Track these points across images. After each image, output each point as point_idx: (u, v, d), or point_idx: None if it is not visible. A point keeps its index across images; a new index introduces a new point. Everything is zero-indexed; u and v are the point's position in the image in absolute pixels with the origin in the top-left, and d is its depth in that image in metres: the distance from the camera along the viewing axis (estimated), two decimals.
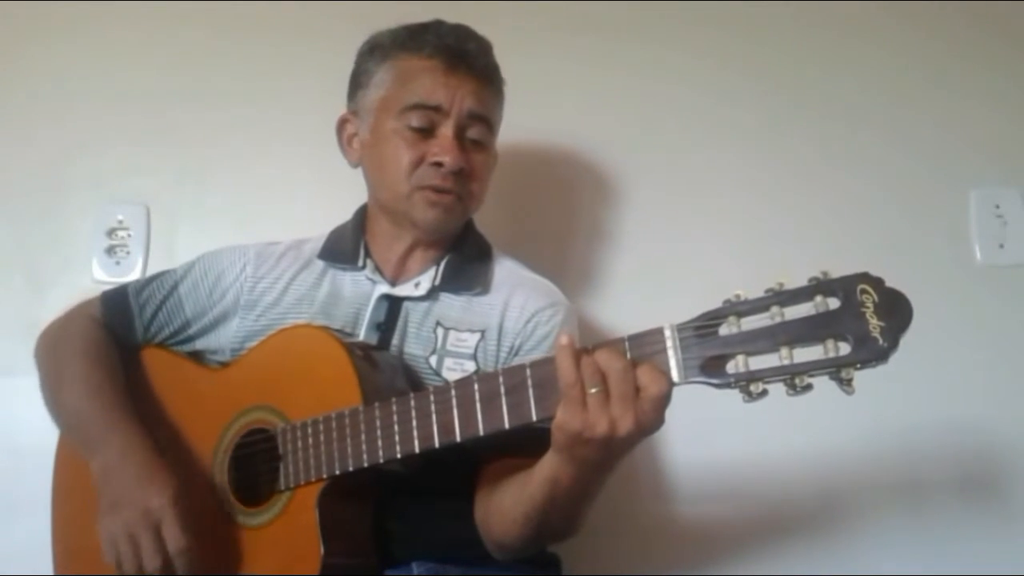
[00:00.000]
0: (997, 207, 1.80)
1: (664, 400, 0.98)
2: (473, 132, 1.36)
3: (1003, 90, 1.84)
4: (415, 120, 1.34)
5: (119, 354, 1.40)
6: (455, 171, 1.33)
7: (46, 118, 1.81)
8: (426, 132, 1.34)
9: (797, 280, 0.93)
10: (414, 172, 1.34)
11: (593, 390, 0.98)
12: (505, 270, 1.43)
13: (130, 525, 1.17)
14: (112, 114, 1.81)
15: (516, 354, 1.33)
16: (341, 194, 1.47)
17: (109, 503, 1.22)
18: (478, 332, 1.34)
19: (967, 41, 1.86)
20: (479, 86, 1.36)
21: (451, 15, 1.41)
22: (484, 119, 1.37)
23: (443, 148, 1.33)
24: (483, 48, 1.39)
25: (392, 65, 1.38)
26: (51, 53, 1.83)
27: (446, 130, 1.34)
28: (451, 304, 1.37)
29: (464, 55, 1.35)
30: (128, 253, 1.78)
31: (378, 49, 1.40)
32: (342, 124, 1.45)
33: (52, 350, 1.42)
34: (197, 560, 1.18)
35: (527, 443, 1.12)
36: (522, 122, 1.53)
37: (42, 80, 1.82)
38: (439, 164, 1.33)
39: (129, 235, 1.79)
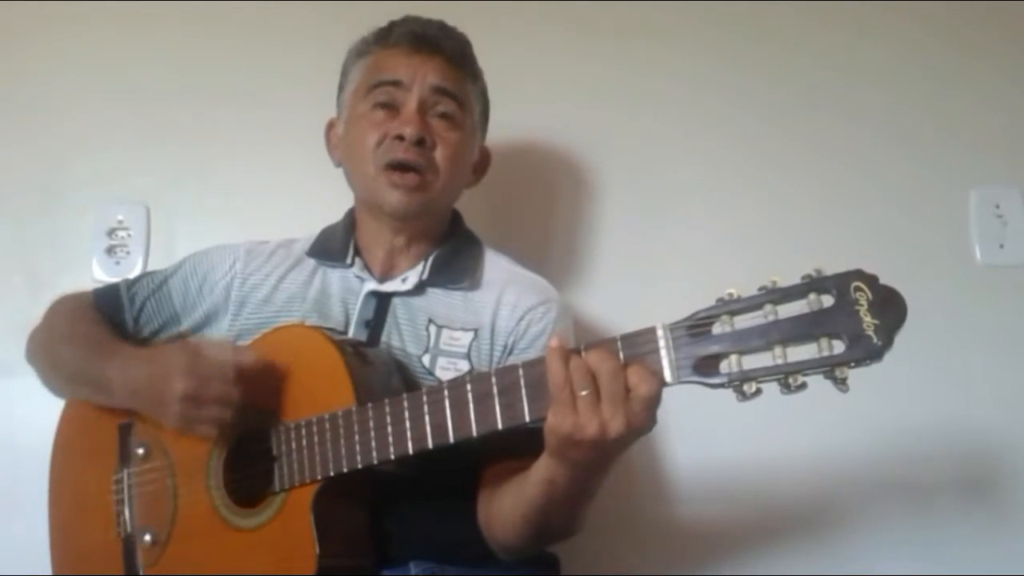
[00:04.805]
0: (997, 207, 1.79)
1: (654, 401, 0.98)
2: (440, 107, 1.36)
3: (1003, 90, 1.84)
4: (379, 97, 1.36)
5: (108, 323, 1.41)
6: (416, 141, 1.33)
7: (45, 117, 1.81)
8: (391, 110, 1.35)
9: (792, 279, 0.92)
10: (378, 150, 1.34)
11: (583, 392, 0.98)
12: (496, 267, 1.42)
13: (180, 403, 1.19)
14: (112, 114, 1.81)
15: (510, 353, 1.32)
16: (340, 194, 1.46)
17: (153, 405, 1.24)
18: (471, 331, 1.33)
19: (967, 41, 1.85)
20: (444, 64, 1.37)
21: (441, 13, 1.41)
22: (451, 94, 1.37)
23: (404, 120, 1.34)
24: (452, 35, 1.40)
25: (364, 61, 1.41)
26: (51, 53, 1.83)
27: (409, 103, 1.35)
28: (442, 301, 1.36)
29: (427, 38, 1.37)
30: (128, 253, 1.78)
31: (354, 51, 1.43)
32: (329, 128, 1.47)
33: (44, 336, 1.43)
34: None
35: (527, 443, 1.11)
36: (508, 117, 1.53)
37: (42, 79, 1.82)
38: (401, 137, 1.33)
39: (129, 235, 1.79)
